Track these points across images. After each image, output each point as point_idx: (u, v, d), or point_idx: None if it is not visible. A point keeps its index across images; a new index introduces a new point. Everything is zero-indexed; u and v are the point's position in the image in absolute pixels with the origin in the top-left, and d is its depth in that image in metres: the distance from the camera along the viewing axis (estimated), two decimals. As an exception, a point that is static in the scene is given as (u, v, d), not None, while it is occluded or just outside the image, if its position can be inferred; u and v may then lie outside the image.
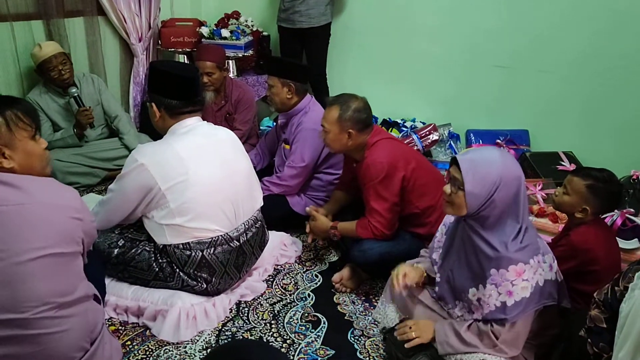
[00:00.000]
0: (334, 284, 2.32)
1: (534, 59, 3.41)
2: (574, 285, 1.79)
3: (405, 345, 1.74)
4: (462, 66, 3.65)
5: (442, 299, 1.81)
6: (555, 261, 1.66)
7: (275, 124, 3.07)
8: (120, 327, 2.00)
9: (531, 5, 3.32)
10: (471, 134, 3.65)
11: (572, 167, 3.08)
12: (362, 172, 2.22)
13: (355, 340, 2.01)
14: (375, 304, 2.20)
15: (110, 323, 2.01)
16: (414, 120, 3.86)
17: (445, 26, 3.62)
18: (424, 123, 3.80)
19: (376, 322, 2.09)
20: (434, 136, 3.58)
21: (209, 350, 1.92)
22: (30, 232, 1.23)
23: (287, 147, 2.74)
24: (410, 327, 1.77)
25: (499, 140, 3.50)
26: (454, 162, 1.61)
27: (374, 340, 2.02)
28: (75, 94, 3.02)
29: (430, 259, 1.87)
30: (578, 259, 1.79)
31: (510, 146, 3.47)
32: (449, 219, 1.84)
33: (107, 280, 2.08)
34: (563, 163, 3.12)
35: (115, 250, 2.04)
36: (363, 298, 2.28)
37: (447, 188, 1.63)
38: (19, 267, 1.22)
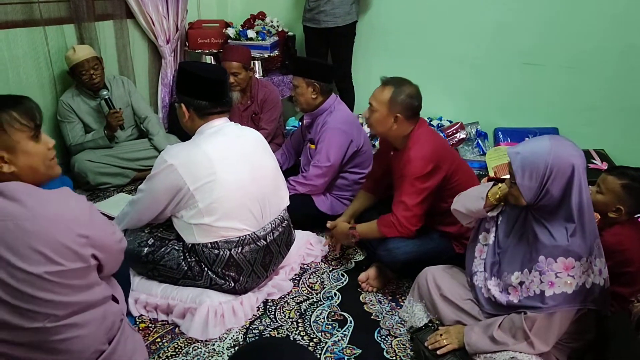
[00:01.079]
0: (360, 283, 2.32)
1: (561, 56, 3.34)
2: (607, 286, 1.75)
3: (438, 352, 1.74)
4: (489, 64, 3.61)
5: (477, 272, 1.83)
6: (606, 267, 1.62)
7: (300, 123, 3.08)
8: (150, 325, 2.04)
9: (558, 1, 3.25)
10: (499, 132, 3.60)
11: (604, 165, 3.01)
12: (402, 163, 2.14)
13: (382, 340, 2.01)
14: (402, 303, 2.19)
15: (140, 320, 2.05)
16: (440, 119, 3.83)
17: (472, 24, 3.58)
18: (450, 121, 3.77)
19: (403, 322, 2.08)
20: (461, 134, 3.55)
21: (236, 347, 1.94)
22: (30, 247, 1.16)
23: (313, 146, 2.75)
24: (441, 335, 1.77)
25: (527, 139, 3.44)
26: None
27: (400, 340, 2.01)
28: (106, 97, 3.08)
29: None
30: (612, 260, 1.74)
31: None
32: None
33: (137, 278, 2.12)
34: (594, 161, 3.05)
35: (145, 249, 2.08)
36: (390, 297, 2.27)
37: (507, 182, 1.67)
38: (27, 281, 1.17)
